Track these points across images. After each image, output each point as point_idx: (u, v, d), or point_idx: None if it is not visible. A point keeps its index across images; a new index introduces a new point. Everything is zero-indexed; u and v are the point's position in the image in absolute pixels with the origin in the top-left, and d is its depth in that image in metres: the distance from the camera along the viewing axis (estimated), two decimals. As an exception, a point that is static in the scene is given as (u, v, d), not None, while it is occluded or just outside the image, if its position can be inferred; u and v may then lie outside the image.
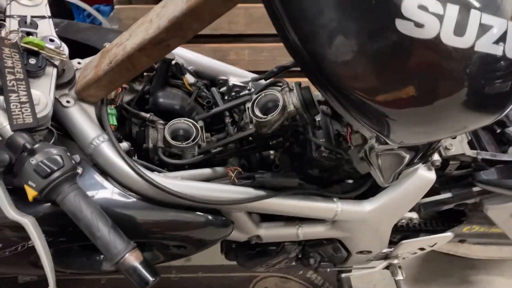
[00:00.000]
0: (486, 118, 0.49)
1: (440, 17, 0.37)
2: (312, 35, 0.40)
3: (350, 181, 0.96)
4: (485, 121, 0.51)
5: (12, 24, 0.64)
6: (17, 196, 0.58)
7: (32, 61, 0.61)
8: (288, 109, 0.80)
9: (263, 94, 0.84)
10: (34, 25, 0.65)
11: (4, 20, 0.66)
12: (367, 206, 0.91)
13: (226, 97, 0.98)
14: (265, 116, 0.80)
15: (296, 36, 0.42)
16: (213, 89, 0.96)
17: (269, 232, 0.95)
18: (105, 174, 0.71)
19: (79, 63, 0.76)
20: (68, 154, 0.56)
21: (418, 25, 0.37)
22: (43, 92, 0.60)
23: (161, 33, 0.57)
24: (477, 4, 0.38)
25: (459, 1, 0.37)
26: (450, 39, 0.38)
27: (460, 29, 0.38)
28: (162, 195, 0.71)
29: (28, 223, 0.56)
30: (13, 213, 0.56)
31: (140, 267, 0.53)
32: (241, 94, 0.97)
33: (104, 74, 0.65)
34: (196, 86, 0.95)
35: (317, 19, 0.39)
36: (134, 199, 0.71)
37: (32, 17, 0.66)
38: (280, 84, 0.89)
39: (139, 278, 0.53)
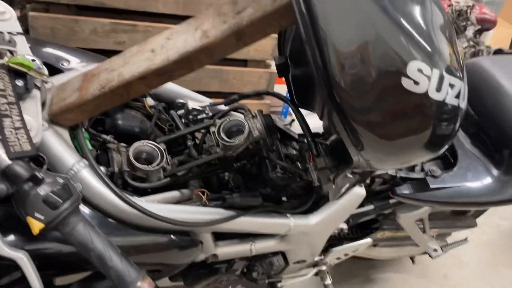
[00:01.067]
0: (430, 155, 0.64)
1: (429, 78, 0.51)
2: (338, 68, 0.50)
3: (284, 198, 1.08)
4: (427, 158, 0.66)
5: (-14, 40, 0.58)
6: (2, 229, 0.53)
7: (19, 83, 0.56)
8: (254, 135, 0.87)
9: (227, 119, 0.90)
10: (13, 43, 0.60)
11: (-28, 34, 0.59)
12: (313, 220, 1.03)
13: (183, 120, 1.00)
14: (233, 140, 0.86)
15: (322, 63, 0.51)
16: (173, 112, 0.98)
17: (226, 250, 1.00)
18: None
19: (45, 82, 0.71)
20: (72, 182, 0.54)
21: (416, 82, 0.50)
22: (32, 116, 0.56)
23: (169, 65, 0.60)
24: (448, 70, 0.53)
25: (439, 67, 0.52)
26: (433, 94, 0.52)
27: (439, 87, 0.52)
28: (142, 220, 0.71)
29: (24, 258, 0.52)
30: (6, 249, 0.51)
31: (154, 293, 0.54)
32: (199, 117, 1.01)
33: (92, 99, 0.64)
34: (156, 108, 0.95)
35: (345, 63, 0.49)
36: (115, 225, 0.69)
37: (8, 33, 0.61)
38: (242, 110, 0.97)
39: (154, 304, 0.54)
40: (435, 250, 1.35)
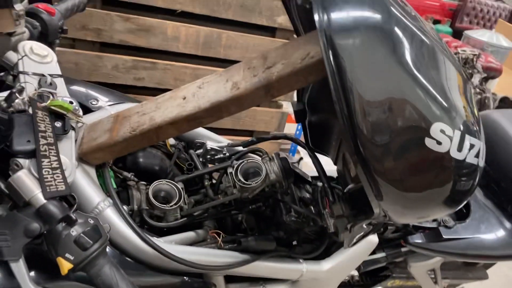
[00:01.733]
0: (447, 211, 0.66)
1: (451, 138, 0.53)
2: (365, 124, 0.52)
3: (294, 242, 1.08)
4: (444, 214, 0.67)
5: (29, 82, 0.61)
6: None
7: (58, 124, 0.59)
8: (270, 177, 0.89)
9: (245, 161, 0.92)
10: (54, 86, 0.64)
11: (17, 76, 0.63)
12: (325, 266, 1.02)
13: (201, 159, 1.03)
14: (250, 183, 0.88)
15: (349, 118, 0.53)
16: (192, 151, 1.01)
17: (237, 294, 0.99)
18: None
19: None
20: (101, 223, 0.56)
21: (438, 143, 0.52)
22: (67, 157, 0.59)
23: (199, 112, 0.63)
24: (468, 131, 0.55)
25: (460, 129, 0.54)
26: (454, 153, 0.54)
27: (460, 147, 0.54)
28: (161, 261, 0.72)
29: (49, 299, 0.52)
30: (31, 286, 0.52)
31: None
32: (217, 157, 1.03)
33: (122, 140, 0.66)
34: (177, 148, 0.98)
35: (371, 119, 0.52)
36: (134, 264, 0.70)
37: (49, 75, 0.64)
38: (259, 152, 0.99)
39: None
40: (446, 302, 1.33)
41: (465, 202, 0.65)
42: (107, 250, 0.67)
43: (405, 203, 0.62)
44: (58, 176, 0.54)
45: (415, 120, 0.52)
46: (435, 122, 0.52)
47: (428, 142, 0.52)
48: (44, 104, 0.58)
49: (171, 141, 0.99)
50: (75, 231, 0.51)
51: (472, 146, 0.56)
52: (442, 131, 0.52)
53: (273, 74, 0.59)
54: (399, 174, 0.56)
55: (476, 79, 3.88)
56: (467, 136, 0.55)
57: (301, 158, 2.44)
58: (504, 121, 1.21)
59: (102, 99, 0.91)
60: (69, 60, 1.58)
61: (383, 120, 0.52)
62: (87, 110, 0.85)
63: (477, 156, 0.57)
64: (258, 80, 0.60)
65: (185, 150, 1.02)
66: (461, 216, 1.13)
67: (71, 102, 0.64)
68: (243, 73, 0.63)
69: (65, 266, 0.50)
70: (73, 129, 0.63)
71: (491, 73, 4.13)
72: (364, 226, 0.82)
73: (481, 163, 0.59)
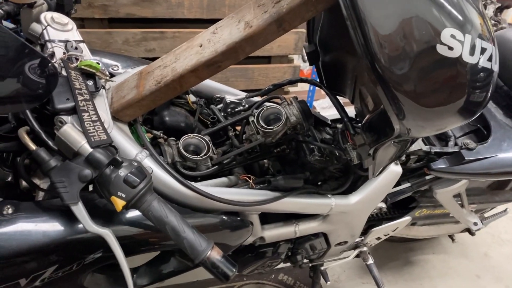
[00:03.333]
0: (463, 121, 0.67)
1: (462, 43, 0.55)
2: (378, 43, 0.55)
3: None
4: (460, 123, 0.69)
5: (57, 47, 0.66)
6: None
7: (90, 82, 0.64)
8: (291, 120, 0.93)
9: (265, 108, 0.96)
10: (79, 50, 0.68)
11: (45, 44, 0.67)
12: (353, 199, 1.07)
13: (223, 113, 1.07)
14: (272, 127, 0.92)
15: (364, 41, 0.55)
16: (213, 106, 1.05)
17: (272, 233, 1.05)
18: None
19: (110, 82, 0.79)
20: (143, 165, 0.61)
21: (450, 48, 0.54)
22: (103, 111, 0.64)
23: (217, 56, 0.66)
24: (479, 35, 0.57)
25: (470, 32, 0.56)
26: (466, 58, 0.56)
27: (472, 51, 0.56)
28: (202, 203, 0.78)
29: (111, 235, 0.59)
30: (95, 227, 0.58)
31: (223, 260, 0.60)
32: (237, 110, 1.07)
33: (149, 94, 0.71)
34: (198, 104, 1.02)
35: (384, 38, 0.54)
36: (176, 207, 0.76)
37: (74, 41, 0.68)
38: (277, 99, 1.02)
39: (224, 270, 0.60)
40: (475, 223, 1.36)
41: (479, 112, 0.66)
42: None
43: (425, 116, 0.64)
44: (98, 128, 0.59)
45: (426, 30, 0.53)
46: (445, 28, 0.54)
47: (440, 48, 0.54)
48: (75, 64, 0.62)
49: (193, 98, 1.03)
50: (122, 172, 0.57)
51: (484, 50, 0.57)
52: (453, 36, 0.54)
53: (283, 7, 0.61)
54: (419, 87, 0.58)
55: (490, 10, 3.73)
56: (478, 40, 0.56)
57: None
58: (520, 39, 1.19)
59: (121, 65, 0.95)
60: (81, 40, 1.62)
61: (399, 43, 0.54)
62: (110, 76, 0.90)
63: (490, 59, 0.59)
64: (269, 16, 0.62)
65: (206, 106, 1.06)
66: (482, 138, 1.14)
67: (97, 63, 0.68)
68: (253, 12, 0.65)
69: (119, 203, 0.56)
70: (103, 87, 0.68)
71: (506, 2, 3.95)
72: (386, 149, 0.85)
73: (495, 67, 0.61)
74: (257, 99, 1.09)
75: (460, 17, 0.55)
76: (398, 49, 0.54)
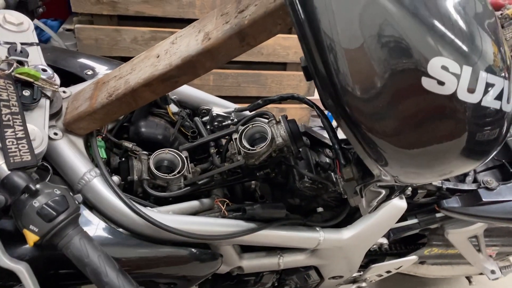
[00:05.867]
0: (473, 164, 0.55)
1: (458, 77, 0.42)
2: (343, 72, 0.43)
3: (320, 209, 1.00)
4: (471, 167, 0.56)
5: (0, 51, 0.59)
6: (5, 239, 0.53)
7: (26, 92, 0.57)
8: (277, 142, 0.82)
9: (250, 126, 0.85)
10: (25, 53, 0.61)
11: (-11, 46, 0.61)
12: (346, 234, 0.95)
13: (208, 127, 0.98)
14: (255, 148, 0.81)
15: (325, 69, 0.44)
16: (197, 119, 0.96)
17: (252, 263, 0.95)
18: (93, 210, 0.67)
19: (64, 92, 0.72)
20: (71, 193, 0.53)
21: (440, 83, 0.42)
22: (37, 126, 0.56)
23: (172, 70, 0.57)
24: (484, 65, 0.44)
25: (472, 63, 0.43)
26: (464, 95, 0.43)
27: (472, 87, 0.43)
28: (155, 231, 0.69)
29: (23, 270, 0.51)
30: (6, 261, 0.51)
31: (151, 312, 0.51)
32: (224, 124, 0.98)
33: (101, 107, 0.63)
34: (180, 115, 0.94)
35: (355, 64, 0.42)
36: (127, 236, 0.68)
37: (21, 44, 0.62)
38: (266, 116, 0.92)
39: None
40: (492, 271, 1.19)
41: (493, 153, 0.53)
42: (99, 222, 0.66)
43: (414, 162, 0.52)
44: (23, 147, 0.52)
45: (408, 57, 0.41)
46: (434, 57, 0.41)
47: (426, 82, 0.42)
48: (7, 72, 0.55)
49: (174, 108, 0.95)
50: (38, 202, 0.49)
51: (490, 85, 0.44)
52: (445, 68, 0.41)
53: (245, 19, 0.51)
54: (399, 128, 0.47)
55: (508, 32, 3.39)
56: (482, 74, 0.44)
57: (337, 126, 2.31)
58: None
59: (100, 69, 0.88)
60: (89, 36, 1.58)
61: (373, 73, 0.43)
62: (82, 80, 0.83)
63: (499, 98, 0.46)
64: (230, 27, 0.52)
65: (190, 118, 0.97)
66: (507, 175, 0.98)
67: (44, 70, 0.61)
68: (215, 21, 0.55)
69: (30, 238, 0.49)
70: (47, 97, 0.60)
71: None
72: (378, 189, 0.73)
73: (508, 107, 0.47)
74: (247, 113, 0.99)
75: (457, 42, 0.42)
76: (371, 79, 0.43)
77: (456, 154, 0.51)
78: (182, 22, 1.64)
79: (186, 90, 0.96)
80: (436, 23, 0.41)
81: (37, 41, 0.65)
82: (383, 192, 0.70)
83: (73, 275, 0.61)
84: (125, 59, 1.12)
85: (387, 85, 0.43)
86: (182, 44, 0.57)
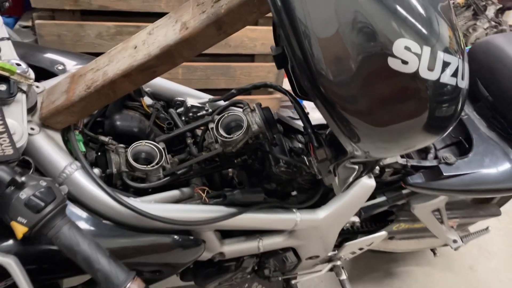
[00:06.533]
0: (433, 137, 0.60)
1: (419, 56, 0.47)
2: (317, 56, 0.47)
3: (294, 192, 1.05)
4: (431, 141, 0.62)
5: (-31, 46, 0.58)
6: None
7: (2, 87, 0.56)
8: (252, 129, 0.85)
9: (226, 115, 0.88)
10: (-3, 48, 0.60)
11: (-42, 42, 0.59)
12: (321, 214, 1.00)
13: (183, 118, 0.99)
14: (231, 136, 0.84)
15: (301, 53, 0.48)
16: (171, 110, 0.97)
17: (232, 248, 0.98)
18: (75, 202, 0.67)
19: (37, 87, 0.71)
20: (56, 185, 0.53)
21: (404, 62, 0.46)
22: (16, 121, 0.56)
23: (150, 60, 0.58)
24: (441, 46, 0.49)
25: (430, 44, 0.48)
26: (424, 73, 0.48)
27: (431, 65, 0.48)
28: (139, 221, 0.70)
29: (12, 263, 0.51)
30: (-6, 255, 0.51)
31: (144, 294, 0.53)
32: (199, 114, 0.99)
33: (79, 100, 0.63)
34: (154, 108, 0.95)
35: (327, 50, 0.46)
36: (111, 226, 0.69)
37: (-8, 39, 0.61)
38: (241, 105, 0.94)
39: (145, 306, 0.53)
40: (454, 241, 1.29)
41: (450, 128, 0.59)
42: (82, 214, 0.66)
43: (384, 137, 0.57)
44: (4, 141, 0.52)
45: (375, 40, 0.46)
46: (398, 39, 0.46)
47: (392, 62, 0.46)
48: (-19, 66, 0.55)
49: (148, 101, 0.95)
50: (24, 194, 0.49)
51: (446, 64, 0.50)
52: (407, 48, 0.46)
53: (221, 8, 0.53)
54: (370, 107, 0.51)
55: (491, 11, 3.62)
56: (439, 53, 0.49)
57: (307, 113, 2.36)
58: (509, 46, 1.11)
59: (69, 63, 0.87)
60: (51, 32, 1.54)
61: (344, 55, 0.46)
62: (53, 75, 0.82)
63: (454, 75, 0.51)
64: (207, 17, 0.55)
65: (164, 110, 0.98)
66: (463, 151, 1.07)
67: (18, 64, 0.60)
68: (192, 11, 0.57)
69: (19, 230, 0.49)
70: (23, 92, 0.60)
71: (508, 3, 3.84)
72: (351, 166, 0.77)
73: (462, 83, 0.53)
74: (221, 103, 1.02)
75: (417, 26, 0.47)
76: (342, 61, 0.47)
77: (418, 130, 0.56)
78: (148, 16, 1.63)
79: (160, 82, 0.97)
80: (399, 8, 0.46)
81: (7, 36, 0.64)
82: (356, 168, 0.74)
83: (57, 268, 0.62)
84: (90, 55, 1.11)
85: (357, 67, 0.47)
86: (159, 35, 0.59)
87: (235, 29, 0.56)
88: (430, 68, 0.48)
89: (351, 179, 0.87)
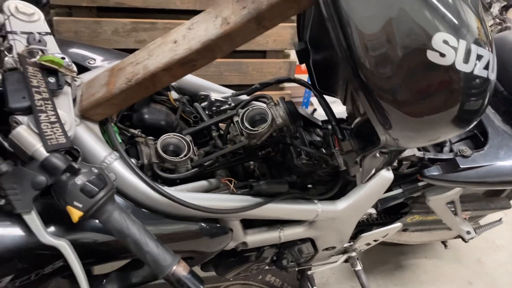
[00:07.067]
0: (458, 130, 0.62)
1: (455, 49, 0.49)
2: (362, 48, 0.49)
3: (310, 186, 1.07)
4: (455, 133, 0.64)
5: (18, 40, 0.61)
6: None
7: (52, 79, 0.59)
8: (277, 122, 0.88)
9: (250, 108, 0.91)
10: (43, 43, 0.63)
11: (6, 36, 0.62)
12: (340, 205, 1.03)
13: (207, 112, 1.02)
14: (257, 129, 0.87)
15: (346, 45, 0.50)
16: (197, 104, 1.00)
17: (255, 238, 1.01)
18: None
19: (75, 80, 0.74)
20: (105, 172, 0.56)
21: (442, 55, 0.49)
22: (65, 111, 0.59)
23: (191, 54, 0.61)
24: (475, 41, 0.51)
25: (465, 37, 0.50)
26: (460, 65, 0.51)
27: (466, 58, 0.51)
28: (174, 209, 0.73)
29: (66, 246, 0.54)
30: (49, 238, 0.54)
31: (189, 276, 0.56)
32: (222, 108, 1.02)
33: (119, 92, 0.66)
34: (181, 101, 0.97)
35: (370, 42, 0.49)
36: (148, 214, 0.71)
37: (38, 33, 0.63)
38: (264, 99, 0.97)
39: (190, 287, 0.55)
40: (468, 232, 1.32)
41: (476, 121, 0.61)
42: (121, 202, 0.69)
43: (414, 126, 0.59)
44: (57, 130, 0.54)
45: (415, 34, 0.48)
46: (437, 33, 0.48)
47: (431, 55, 0.49)
48: (34, 59, 0.57)
49: (175, 95, 0.98)
50: (80, 180, 0.52)
51: (479, 57, 0.52)
52: (445, 42, 0.49)
53: (262, 4, 0.56)
54: (406, 96, 0.53)
55: (495, 8, 3.63)
56: (473, 46, 0.51)
57: (314, 110, 2.39)
58: (523, 42, 1.13)
59: (98, 59, 0.90)
60: (69, 29, 1.56)
61: (385, 48, 0.49)
62: (85, 70, 0.84)
63: (486, 68, 0.54)
64: (248, 12, 0.57)
65: (189, 104, 1.01)
66: (479, 144, 1.09)
67: (63, 58, 0.63)
68: (232, 7, 0.60)
69: (75, 214, 0.52)
70: (69, 84, 0.63)
71: (512, 1, 3.85)
72: (377, 156, 0.80)
73: (492, 75, 0.55)
74: (244, 97, 1.04)
75: (454, 21, 0.50)
76: (383, 54, 0.49)
77: (447, 122, 0.58)
78: (163, 13, 1.65)
79: (185, 77, 1.00)
80: (438, 4, 0.48)
81: (49, 31, 0.67)
82: (381, 159, 0.77)
83: (91, 255, 0.64)
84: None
85: (398, 59, 0.49)
86: (199, 29, 0.61)
87: (273, 24, 0.59)
88: (465, 61, 0.51)
89: (373, 171, 0.89)
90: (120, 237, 0.54)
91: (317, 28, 0.85)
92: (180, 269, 0.55)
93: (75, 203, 0.52)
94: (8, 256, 0.56)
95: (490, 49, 0.54)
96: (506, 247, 1.95)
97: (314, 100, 2.99)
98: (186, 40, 0.61)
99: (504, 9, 3.78)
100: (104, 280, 0.80)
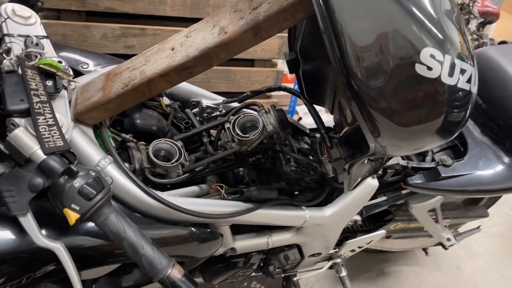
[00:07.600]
0: (441, 140, 0.66)
1: (441, 63, 0.53)
2: (355, 58, 0.52)
3: (296, 192, 1.10)
4: (438, 143, 0.67)
5: (16, 43, 0.61)
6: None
7: (49, 83, 0.59)
8: (268, 129, 0.90)
9: (242, 115, 0.92)
10: (40, 46, 0.63)
11: (2, 39, 0.62)
12: (327, 211, 1.05)
13: (198, 118, 1.03)
14: (248, 136, 0.89)
15: (340, 56, 0.53)
16: (188, 110, 1.01)
17: (243, 243, 1.02)
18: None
19: (71, 83, 0.74)
20: (102, 175, 0.57)
21: (429, 68, 0.52)
22: (62, 114, 0.59)
23: (189, 61, 0.62)
24: (459, 56, 0.55)
25: (450, 52, 0.54)
26: (445, 79, 0.54)
27: (451, 72, 0.54)
28: (166, 213, 0.74)
29: (62, 249, 0.54)
30: (44, 240, 0.54)
31: (184, 279, 0.57)
32: (213, 115, 1.03)
33: (115, 97, 0.66)
34: (172, 107, 0.98)
35: (362, 53, 0.51)
36: (141, 218, 0.72)
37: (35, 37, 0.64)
38: (256, 106, 0.99)
39: (184, 290, 0.56)
40: (448, 239, 1.37)
41: (458, 132, 0.65)
42: (114, 205, 0.69)
43: (401, 135, 0.62)
44: (55, 133, 0.55)
45: (405, 48, 0.51)
46: (425, 48, 0.51)
47: (419, 68, 0.52)
48: (32, 62, 0.58)
49: (166, 101, 0.99)
50: (77, 182, 0.52)
51: (463, 71, 0.56)
52: (432, 56, 0.52)
53: (260, 15, 0.58)
54: (395, 105, 0.56)
55: (473, 25, 3.79)
56: (457, 61, 0.55)
57: (300, 118, 2.43)
58: (500, 57, 1.19)
59: (91, 63, 0.90)
60: (56, 32, 1.55)
61: (377, 59, 0.52)
62: (78, 74, 0.85)
63: (469, 81, 0.57)
64: (246, 22, 0.59)
65: (181, 110, 1.02)
66: (459, 154, 1.14)
67: (60, 62, 0.63)
68: (229, 17, 0.62)
69: (72, 216, 0.52)
70: (65, 88, 0.63)
71: (488, 18, 4.02)
72: (363, 164, 0.83)
73: (474, 88, 0.59)
74: (235, 104, 1.06)
75: (440, 36, 0.53)
76: (375, 65, 0.52)
77: (431, 132, 0.62)
78: (153, 19, 1.66)
79: (177, 84, 1.00)
80: (425, 20, 0.52)
81: (46, 35, 0.67)
82: (368, 167, 0.80)
83: (96, 258, 0.65)
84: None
85: (389, 71, 0.52)
86: (197, 37, 0.63)
87: (270, 35, 0.61)
88: (450, 75, 0.54)
89: (360, 178, 0.92)
90: (116, 240, 0.55)
91: (307, 40, 0.88)
92: (175, 272, 0.56)
93: (73, 206, 0.52)
94: (1, 258, 0.56)
95: (472, 64, 0.58)
96: (484, 255, 2.01)
97: (299, 109, 3.04)
98: (184, 48, 0.63)
99: (481, 25, 3.95)
100: (94, 286, 0.79)
